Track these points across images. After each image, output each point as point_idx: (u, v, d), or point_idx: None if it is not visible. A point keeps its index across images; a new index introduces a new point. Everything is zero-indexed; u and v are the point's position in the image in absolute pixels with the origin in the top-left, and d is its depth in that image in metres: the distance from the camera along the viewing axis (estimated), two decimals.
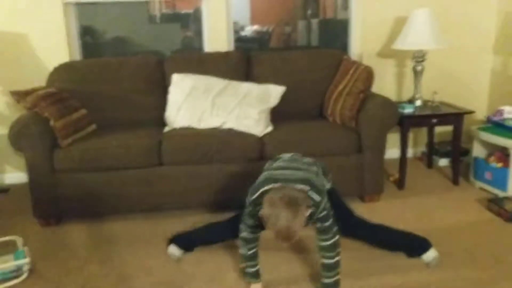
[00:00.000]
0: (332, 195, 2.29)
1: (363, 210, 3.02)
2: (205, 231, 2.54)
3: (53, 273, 2.39)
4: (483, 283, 2.20)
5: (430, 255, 2.35)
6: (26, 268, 2.37)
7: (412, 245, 2.40)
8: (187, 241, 2.54)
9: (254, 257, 2.16)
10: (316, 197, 1.94)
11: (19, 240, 2.65)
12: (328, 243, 2.03)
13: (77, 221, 2.96)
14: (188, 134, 3.00)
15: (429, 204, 3.11)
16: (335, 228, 2.04)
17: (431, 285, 2.19)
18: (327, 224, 2.01)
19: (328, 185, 2.27)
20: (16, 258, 2.40)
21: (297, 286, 2.22)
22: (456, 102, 3.57)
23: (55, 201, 2.86)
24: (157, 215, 3.01)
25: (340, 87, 3.20)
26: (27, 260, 2.38)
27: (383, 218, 2.91)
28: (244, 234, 2.12)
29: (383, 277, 2.27)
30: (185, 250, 2.53)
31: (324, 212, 1.99)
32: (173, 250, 2.50)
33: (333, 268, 2.07)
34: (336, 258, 2.06)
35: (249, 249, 2.14)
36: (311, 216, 1.97)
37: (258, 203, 1.98)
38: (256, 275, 2.18)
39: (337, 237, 2.05)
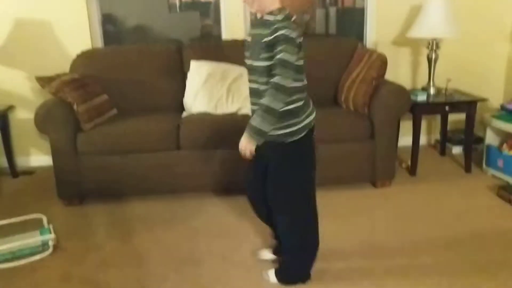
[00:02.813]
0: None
1: (374, 195, 3.10)
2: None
3: (76, 249, 2.54)
4: (491, 268, 2.26)
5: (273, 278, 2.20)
6: (51, 243, 2.52)
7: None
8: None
9: None
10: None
11: (44, 218, 2.81)
12: (273, 80, 1.80)
13: (98, 201, 3.10)
14: (205, 119, 3.10)
15: (440, 190, 3.16)
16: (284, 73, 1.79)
17: (439, 265, 2.26)
18: (280, 55, 1.79)
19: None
20: (42, 234, 2.55)
21: None
22: (471, 90, 3.58)
23: (78, 183, 3.01)
24: (174, 197, 3.13)
25: (354, 74, 3.26)
26: (52, 236, 2.53)
27: (393, 203, 2.98)
28: None
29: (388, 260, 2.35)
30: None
31: (284, 31, 1.80)
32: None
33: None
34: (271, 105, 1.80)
35: None
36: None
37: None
38: None
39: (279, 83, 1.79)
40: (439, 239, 2.53)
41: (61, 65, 3.52)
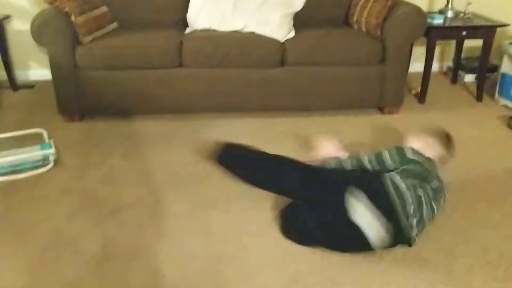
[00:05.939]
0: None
1: (380, 121, 3.03)
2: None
3: (76, 164, 2.52)
4: (497, 195, 2.24)
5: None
6: (51, 158, 2.50)
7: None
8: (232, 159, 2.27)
9: None
10: None
11: (45, 133, 2.78)
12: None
13: (100, 118, 3.05)
14: (209, 36, 2.96)
15: (448, 118, 3.08)
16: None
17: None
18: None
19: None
20: (43, 149, 2.53)
21: None
22: (491, 15, 3.37)
23: (78, 98, 2.93)
24: (177, 116, 3.08)
25: None
26: (52, 150, 2.51)
27: (399, 130, 2.92)
28: None
29: None
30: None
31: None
32: None
33: None
34: None
35: None
36: None
37: None
38: None
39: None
40: None
41: None
